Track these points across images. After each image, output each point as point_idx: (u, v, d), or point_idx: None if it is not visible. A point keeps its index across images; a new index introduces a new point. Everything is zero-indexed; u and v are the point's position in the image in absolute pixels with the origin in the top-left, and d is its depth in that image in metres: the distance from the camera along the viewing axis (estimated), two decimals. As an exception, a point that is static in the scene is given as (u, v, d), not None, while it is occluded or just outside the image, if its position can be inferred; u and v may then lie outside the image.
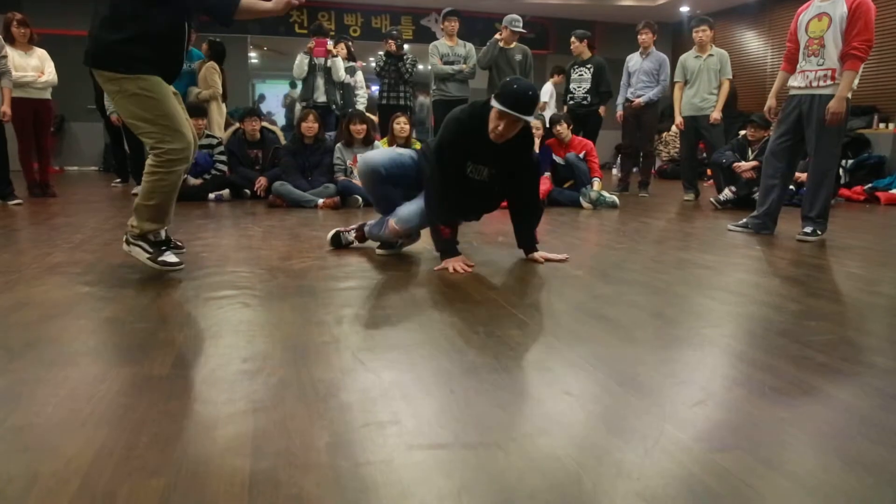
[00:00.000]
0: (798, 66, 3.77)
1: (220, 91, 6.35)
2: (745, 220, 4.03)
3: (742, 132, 5.75)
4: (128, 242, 2.53)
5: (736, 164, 5.34)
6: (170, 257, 2.52)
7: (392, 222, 2.91)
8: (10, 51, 5.06)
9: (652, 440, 1.21)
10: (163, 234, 2.58)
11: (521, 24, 6.02)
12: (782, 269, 2.98)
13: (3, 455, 1.13)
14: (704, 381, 1.55)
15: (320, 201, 4.86)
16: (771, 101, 3.98)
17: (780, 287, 2.63)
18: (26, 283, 2.42)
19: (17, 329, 1.86)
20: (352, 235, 3.20)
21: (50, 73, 5.40)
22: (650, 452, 1.16)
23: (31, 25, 5.38)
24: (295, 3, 2.46)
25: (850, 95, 3.57)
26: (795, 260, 3.17)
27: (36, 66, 5.32)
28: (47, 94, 5.45)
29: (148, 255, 2.49)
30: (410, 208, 2.92)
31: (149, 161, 2.43)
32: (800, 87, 3.74)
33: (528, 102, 2.62)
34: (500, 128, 2.65)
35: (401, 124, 5.57)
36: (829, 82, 3.58)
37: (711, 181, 6.96)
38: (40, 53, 5.40)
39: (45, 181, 5.53)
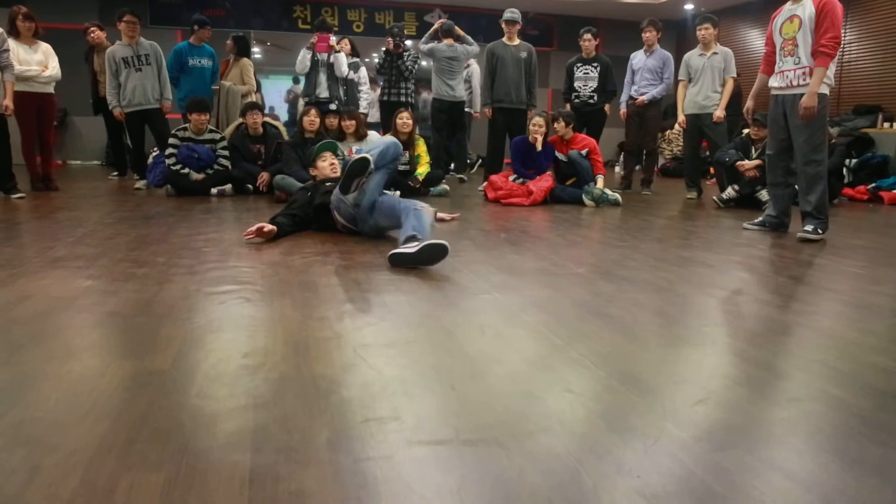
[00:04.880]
0: (777, 66, 3.88)
1: (255, 86, 6.70)
2: (761, 218, 4.07)
3: (745, 130, 5.73)
4: None
5: (739, 162, 5.32)
6: None
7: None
8: (14, 45, 5.05)
9: (652, 438, 1.21)
10: None
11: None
12: (785, 268, 2.97)
13: (4, 449, 1.13)
14: (705, 379, 1.55)
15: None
16: (749, 103, 4.16)
17: (783, 286, 2.62)
18: (28, 276, 2.42)
19: (18, 323, 1.86)
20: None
21: (54, 67, 5.39)
22: (650, 451, 1.16)
23: (36, 20, 5.38)
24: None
25: (828, 92, 3.68)
26: (798, 259, 3.16)
27: (40, 61, 5.32)
28: (50, 89, 5.44)
29: None
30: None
31: None
32: (780, 88, 3.84)
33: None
34: None
35: (403, 119, 5.56)
36: (807, 80, 3.67)
37: (714, 179, 6.94)
38: (45, 48, 5.39)
39: (47, 175, 5.53)
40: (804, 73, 3.68)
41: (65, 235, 3.27)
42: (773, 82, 3.89)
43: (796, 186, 3.91)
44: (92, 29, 6.63)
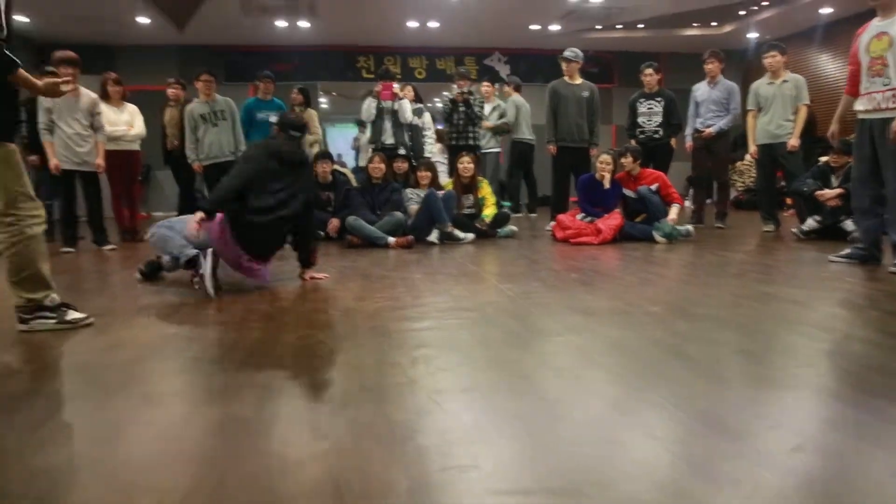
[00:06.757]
0: (862, 87, 3.65)
1: (321, 136, 7.22)
2: (848, 250, 3.84)
3: (823, 158, 5.50)
4: (24, 321, 2.40)
5: (819, 192, 5.10)
6: (74, 314, 2.46)
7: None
8: (105, 107, 5.45)
9: (750, 487, 1.14)
10: (57, 298, 2.46)
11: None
12: (878, 302, 2.80)
13: (104, 492, 1.18)
14: (800, 424, 1.46)
15: (391, 240, 4.93)
16: (834, 127, 4.00)
17: (878, 321, 2.46)
18: (119, 324, 2.55)
19: (111, 370, 1.95)
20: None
21: (139, 126, 5.79)
22: (748, 502, 1.10)
23: (123, 83, 5.81)
24: (62, 91, 2.48)
25: None
26: (892, 292, 2.97)
27: (127, 121, 5.72)
28: (136, 146, 5.83)
29: (54, 321, 2.41)
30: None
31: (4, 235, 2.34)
32: (867, 111, 3.60)
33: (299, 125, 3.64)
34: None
35: (464, 164, 5.62)
36: None
37: (791, 211, 6.67)
38: (131, 108, 5.81)
39: (134, 227, 5.87)
40: (894, 95, 3.44)
41: (150, 284, 3.43)
42: (860, 105, 3.65)
43: (885, 216, 3.68)
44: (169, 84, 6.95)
